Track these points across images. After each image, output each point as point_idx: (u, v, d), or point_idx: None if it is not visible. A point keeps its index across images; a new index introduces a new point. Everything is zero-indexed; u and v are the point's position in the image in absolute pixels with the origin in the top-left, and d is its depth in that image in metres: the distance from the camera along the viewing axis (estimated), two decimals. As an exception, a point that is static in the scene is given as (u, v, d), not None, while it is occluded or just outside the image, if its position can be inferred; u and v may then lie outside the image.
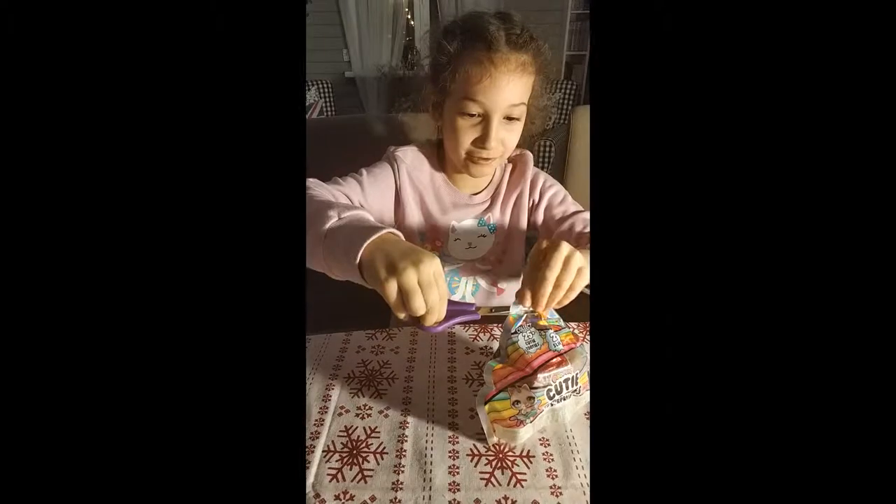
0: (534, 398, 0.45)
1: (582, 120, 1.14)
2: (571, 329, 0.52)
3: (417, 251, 0.41)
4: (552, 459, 0.45)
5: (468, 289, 0.77)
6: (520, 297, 0.47)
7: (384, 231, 0.43)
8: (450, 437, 0.47)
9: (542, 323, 0.49)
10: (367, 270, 0.42)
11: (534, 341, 0.48)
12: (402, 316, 0.41)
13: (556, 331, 0.50)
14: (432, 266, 0.40)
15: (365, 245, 0.42)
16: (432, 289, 0.40)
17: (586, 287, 0.56)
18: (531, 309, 0.48)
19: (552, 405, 0.48)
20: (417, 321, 0.42)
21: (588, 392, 0.51)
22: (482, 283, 0.77)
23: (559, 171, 1.27)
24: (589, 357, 0.50)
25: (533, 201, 0.74)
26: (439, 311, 0.42)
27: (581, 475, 0.44)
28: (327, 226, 0.46)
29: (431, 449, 0.46)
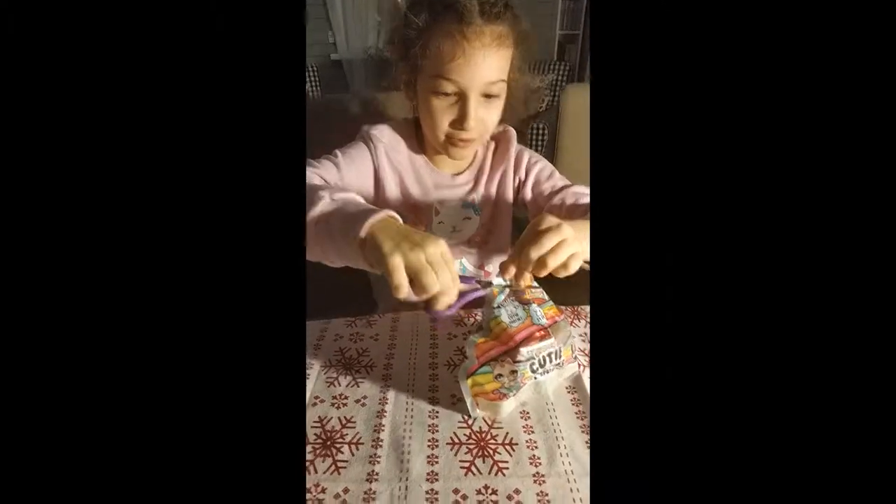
0: (517, 372, 0.44)
1: (572, 99, 1.10)
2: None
3: (423, 232, 0.40)
4: (536, 447, 0.43)
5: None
6: (503, 270, 0.45)
7: (385, 213, 0.42)
8: (430, 425, 0.45)
9: (526, 297, 0.48)
10: (369, 249, 0.40)
11: (517, 315, 0.47)
12: (401, 296, 0.38)
13: (539, 304, 0.48)
14: (440, 247, 0.39)
15: (367, 224, 0.40)
16: (443, 269, 0.38)
17: (585, 262, 0.55)
18: (511, 281, 0.46)
19: (535, 378, 0.47)
20: (426, 306, 0.40)
21: (571, 365, 0.50)
22: (468, 265, 0.74)
23: (550, 153, 1.24)
24: (571, 331, 0.49)
25: (519, 179, 0.72)
26: (452, 293, 0.39)
27: (566, 462, 0.42)
28: (319, 208, 0.44)
29: (410, 438, 0.44)
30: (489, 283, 0.46)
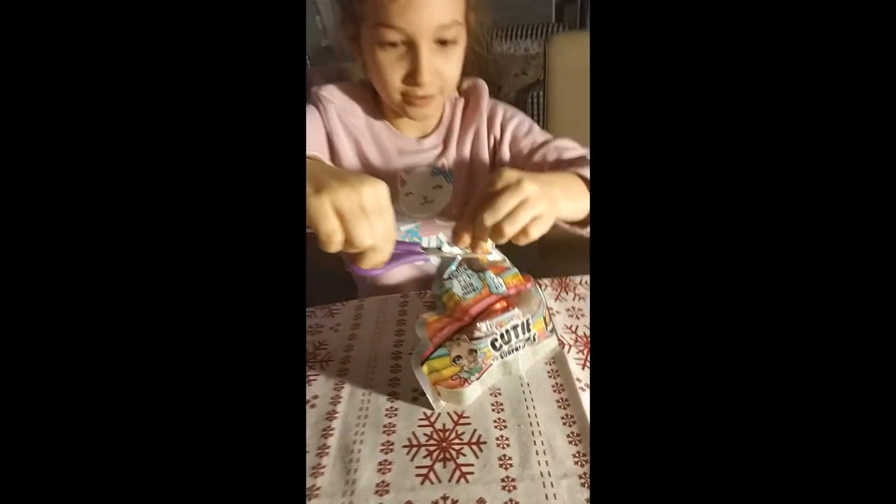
0: (476, 351, 0.38)
1: (560, 52, 1.00)
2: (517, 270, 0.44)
3: (358, 173, 0.33)
4: (507, 445, 0.36)
5: (431, 249, 0.68)
6: (455, 238, 0.38)
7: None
8: (385, 425, 0.39)
9: (481, 263, 0.41)
10: None
11: (471, 285, 0.40)
12: (334, 248, 0.32)
13: (498, 272, 0.42)
14: (377, 189, 0.32)
15: None
16: (379, 218, 0.32)
17: (580, 229, 0.48)
18: (467, 251, 0.39)
19: (501, 357, 0.40)
20: (350, 260, 0.34)
21: (547, 340, 0.43)
22: (445, 240, 0.67)
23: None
24: (544, 300, 0.43)
25: (494, 138, 0.64)
26: (385, 250, 0.33)
27: (542, 462, 0.35)
28: None
29: (361, 443, 0.38)
30: (438, 249, 0.39)
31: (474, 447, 0.37)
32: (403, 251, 0.37)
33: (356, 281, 0.75)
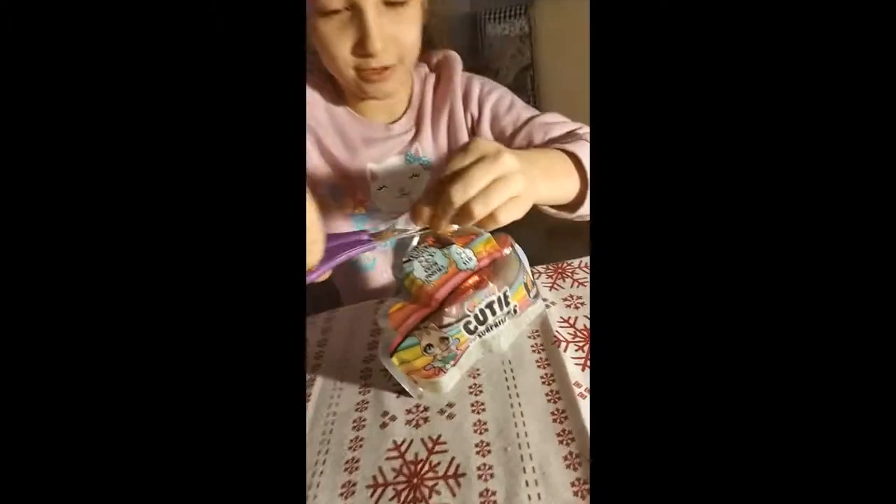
0: (448, 338, 0.33)
1: (546, 17, 0.92)
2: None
3: None
4: (491, 475, 0.30)
5: (416, 247, 0.61)
6: (415, 215, 0.32)
7: None
8: (348, 461, 0.33)
9: (445, 235, 0.36)
10: None
11: (435, 265, 0.35)
12: None
13: (465, 243, 0.36)
14: None
15: None
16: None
17: (568, 214, 0.44)
18: (427, 229, 0.33)
19: (479, 338, 0.35)
20: None
21: (531, 308, 0.38)
22: (402, 218, 0.60)
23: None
24: (525, 264, 0.37)
25: (471, 116, 0.56)
26: (313, 248, 0.28)
27: (533, 495, 0.28)
28: None
29: (318, 486, 0.31)
30: (393, 231, 0.34)
31: (451, 481, 0.30)
32: (343, 244, 0.31)
33: (338, 286, 0.69)
